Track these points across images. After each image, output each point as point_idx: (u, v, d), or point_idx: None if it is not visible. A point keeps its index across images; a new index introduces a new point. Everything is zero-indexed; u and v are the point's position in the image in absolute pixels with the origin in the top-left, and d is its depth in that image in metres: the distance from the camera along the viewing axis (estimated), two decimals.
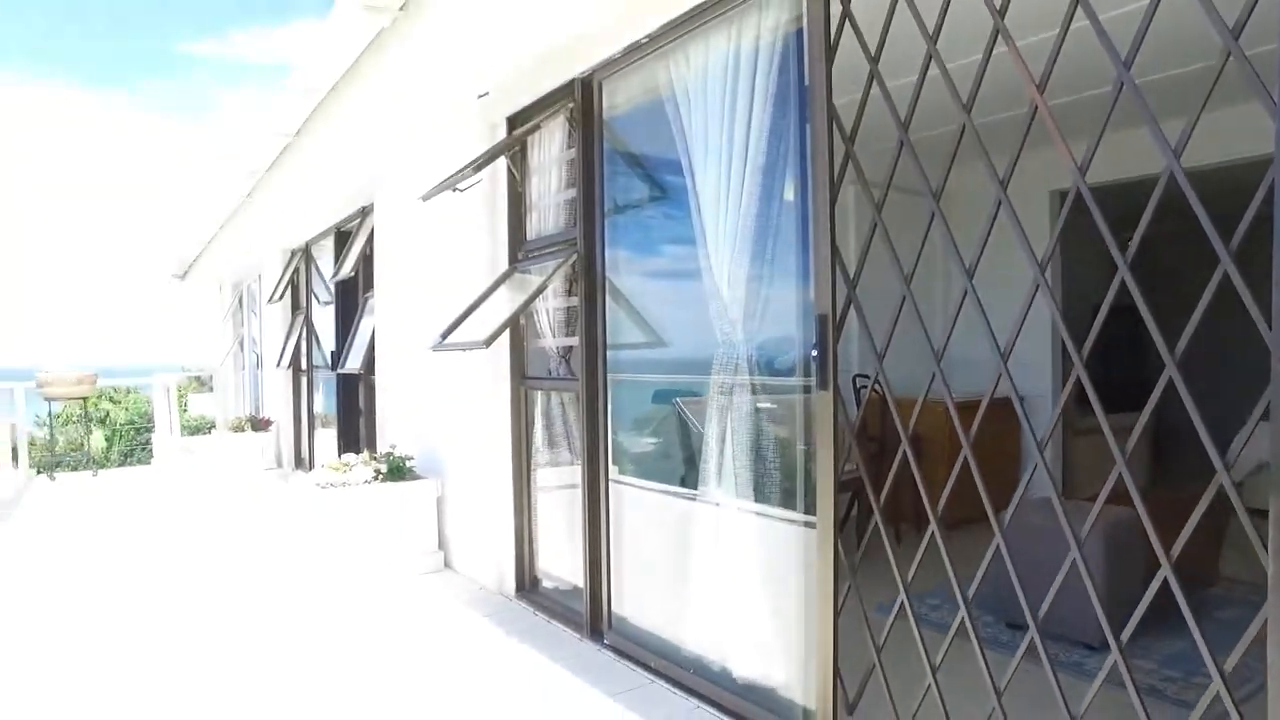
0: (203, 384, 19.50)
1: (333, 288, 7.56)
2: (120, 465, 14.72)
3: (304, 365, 8.59)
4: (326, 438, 8.30)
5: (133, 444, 18.79)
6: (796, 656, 2.76)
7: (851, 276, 2.42)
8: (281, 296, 8.85)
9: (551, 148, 3.93)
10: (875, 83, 2.33)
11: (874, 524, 2.42)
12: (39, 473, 9.68)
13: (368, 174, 6.06)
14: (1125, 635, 1.84)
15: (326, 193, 6.84)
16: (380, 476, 4.74)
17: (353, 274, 6.18)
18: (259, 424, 9.57)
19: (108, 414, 20.39)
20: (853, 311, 2.42)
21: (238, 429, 9.44)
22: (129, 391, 24.33)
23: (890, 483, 2.39)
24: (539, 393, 4.16)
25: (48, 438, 14.48)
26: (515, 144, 4.02)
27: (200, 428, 18.56)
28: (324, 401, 8.38)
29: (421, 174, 5.13)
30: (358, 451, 5.10)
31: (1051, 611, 2.01)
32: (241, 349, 12.77)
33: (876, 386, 2.45)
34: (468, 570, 4.70)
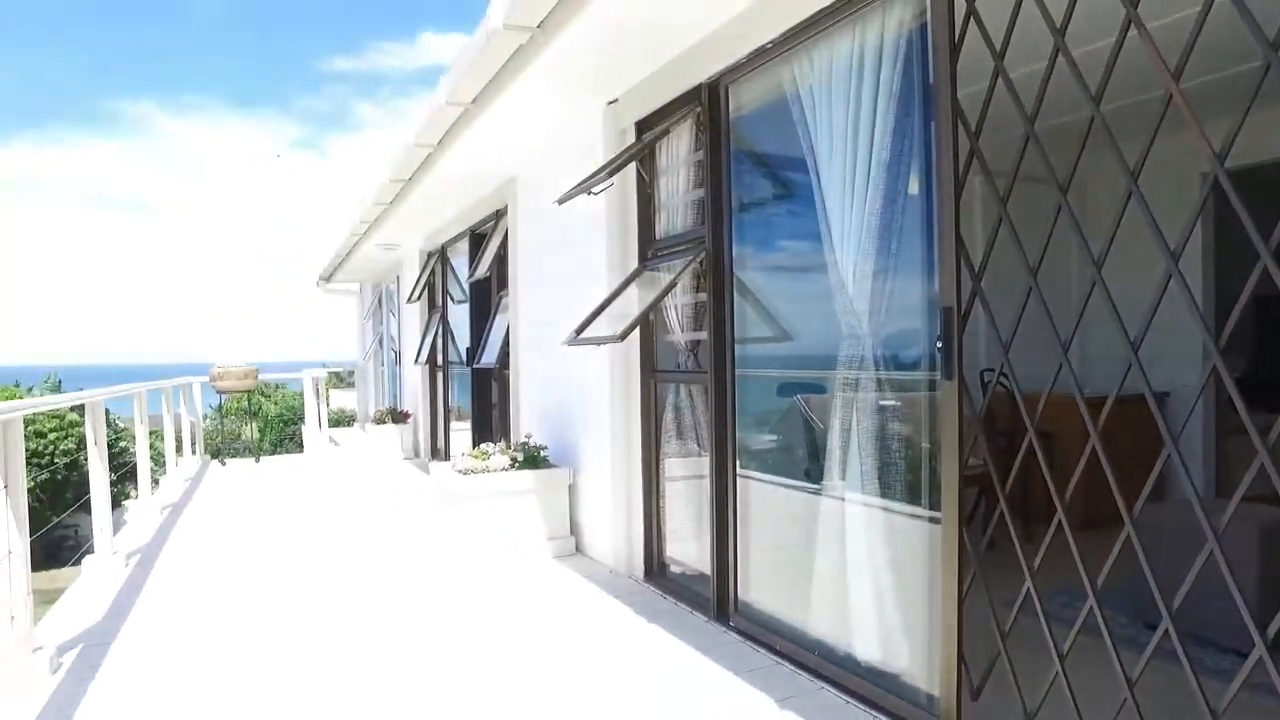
0: (343, 380, 20.88)
1: (467, 288, 8.00)
2: (275, 453, 15.99)
3: (440, 361, 9.12)
4: (461, 430, 8.79)
5: (281, 435, 20.30)
6: (920, 643, 2.81)
7: (976, 269, 2.47)
8: (419, 296, 9.42)
9: (679, 150, 4.09)
10: (1000, 78, 2.36)
11: (998, 514, 2.45)
12: (211, 458, 10.68)
13: (502, 178, 6.41)
14: (1272, 630, 1.81)
15: (462, 198, 7.27)
16: (516, 464, 5.03)
17: (487, 275, 6.55)
18: (399, 416, 10.22)
19: (260, 407, 22.09)
20: (978, 305, 2.46)
21: (380, 421, 10.12)
22: (278, 387, 26.27)
23: (1015, 476, 2.42)
24: (668, 385, 4.34)
25: (218, 427, 15.85)
26: (645, 149, 4.21)
27: (341, 420, 19.89)
28: (458, 395, 8.88)
29: (553, 178, 5.40)
30: (492, 443, 5.42)
31: (1200, 614, 1.98)
32: (381, 346, 13.61)
33: (1003, 380, 2.48)
34: (599, 555, 4.94)
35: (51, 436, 22.99)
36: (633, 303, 4.38)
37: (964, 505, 2.55)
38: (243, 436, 15.91)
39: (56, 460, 22.35)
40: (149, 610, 4.29)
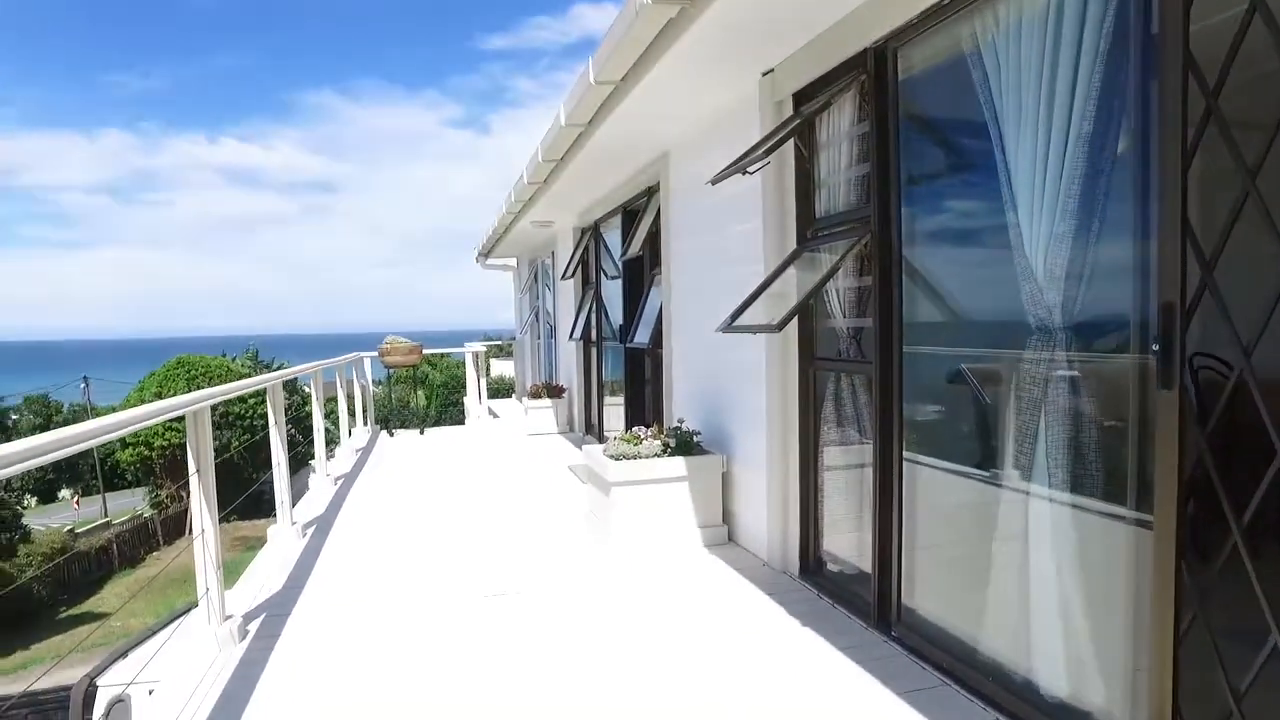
0: (502, 349, 21.69)
1: (620, 264, 7.96)
2: (439, 423, 16.87)
3: (594, 337, 9.18)
4: (615, 405, 8.83)
5: (446, 401, 21.35)
6: (1122, 681, 2.47)
7: (1208, 257, 2.08)
8: (573, 273, 9.50)
9: (840, 122, 3.79)
10: (1256, 12, 1.94)
11: (1231, 544, 2.07)
12: (381, 428, 11.33)
13: (654, 154, 6.27)
14: None
15: (614, 175, 7.19)
16: (668, 450, 4.94)
17: (640, 253, 6.46)
18: (554, 391, 10.42)
19: (427, 375, 23.41)
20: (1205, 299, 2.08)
21: (536, 396, 10.36)
22: (443, 356, 27.74)
23: (1235, 484, 2.03)
24: (828, 373, 4.08)
25: (388, 394, 16.80)
26: (803, 124, 3.93)
27: (500, 389, 20.73)
28: (612, 371, 8.91)
29: (706, 153, 5.20)
30: (644, 421, 5.36)
31: None
32: (537, 320, 13.94)
33: (1227, 373, 2.09)
34: (751, 545, 4.77)
35: (251, 401, 25.35)
36: (790, 285, 4.14)
37: (1183, 531, 2.19)
38: (411, 404, 16.86)
39: (255, 423, 24.64)
40: (322, 581, 4.57)
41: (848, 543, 4.00)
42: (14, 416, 43.57)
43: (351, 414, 10.16)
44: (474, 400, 11.82)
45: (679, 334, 5.94)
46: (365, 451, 9.28)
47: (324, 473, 7.10)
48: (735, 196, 4.73)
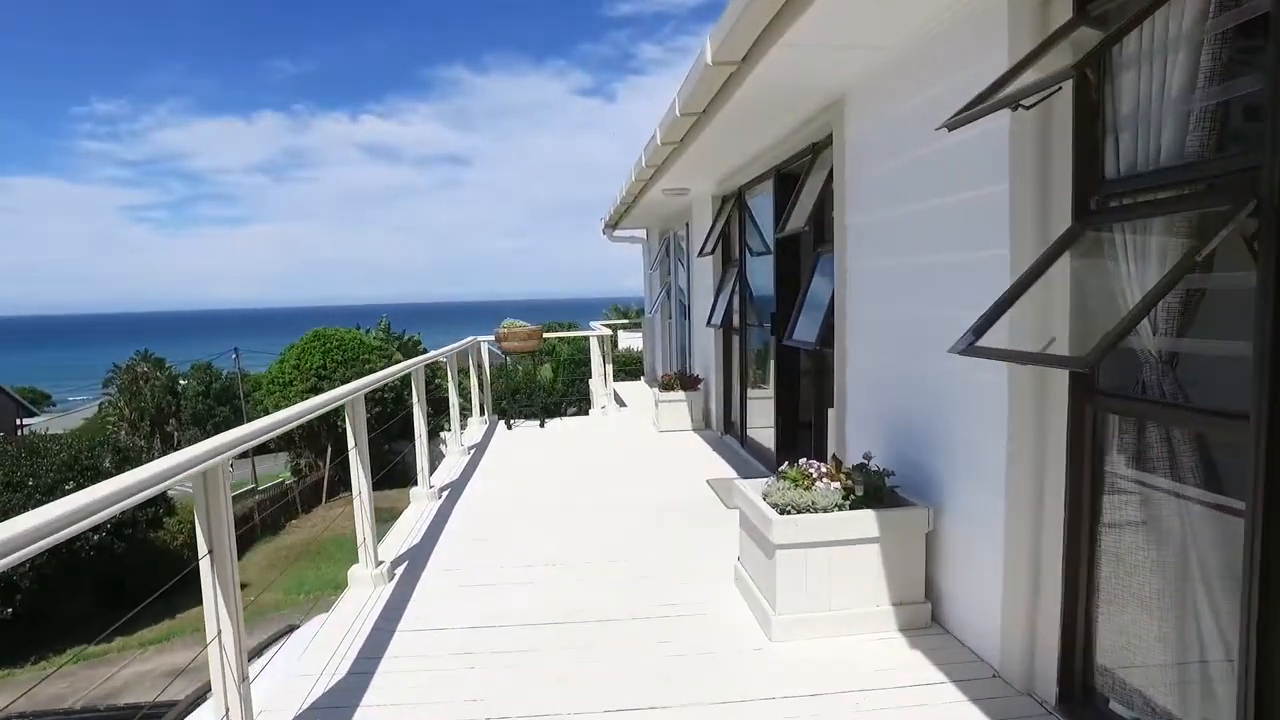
0: (629, 320, 20.56)
1: (772, 240, 6.64)
2: (561, 405, 15.95)
3: (736, 325, 7.90)
4: (759, 401, 7.57)
5: (573, 376, 20.51)
6: None
7: None
8: (712, 249, 8.22)
9: (1169, 20, 2.35)
10: None
11: None
12: (499, 419, 10.49)
13: (824, 100, 4.89)
14: None
15: (767, 130, 5.85)
16: (850, 498, 3.65)
17: (805, 228, 5.10)
18: (689, 382, 9.24)
19: (554, 348, 22.75)
20: None
21: (668, 387, 9.21)
22: (569, 326, 27.12)
23: None
24: (1121, 416, 2.68)
25: (512, 371, 16.10)
26: (1098, 30, 2.50)
27: (628, 364, 19.70)
28: (757, 363, 7.63)
29: (908, 92, 3.82)
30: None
31: None
32: (669, 298, 12.76)
33: None
34: (969, 638, 3.44)
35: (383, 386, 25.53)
36: (1061, 285, 2.75)
37: None
38: (538, 378, 16.00)
39: (385, 396, 24.80)
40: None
41: (1154, 662, 2.61)
42: (183, 382, 46.61)
43: (465, 407, 9.35)
44: (599, 386, 10.77)
45: (858, 334, 4.59)
46: (478, 451, 8.40)
47: (425, 489, 6.23)
48: (955, 150, 3.35)
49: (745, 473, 6.91)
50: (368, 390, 4.51)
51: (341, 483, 26.26)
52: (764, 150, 6.52)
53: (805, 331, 5.28)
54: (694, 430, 9.09)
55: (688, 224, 10.68)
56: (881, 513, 3.57)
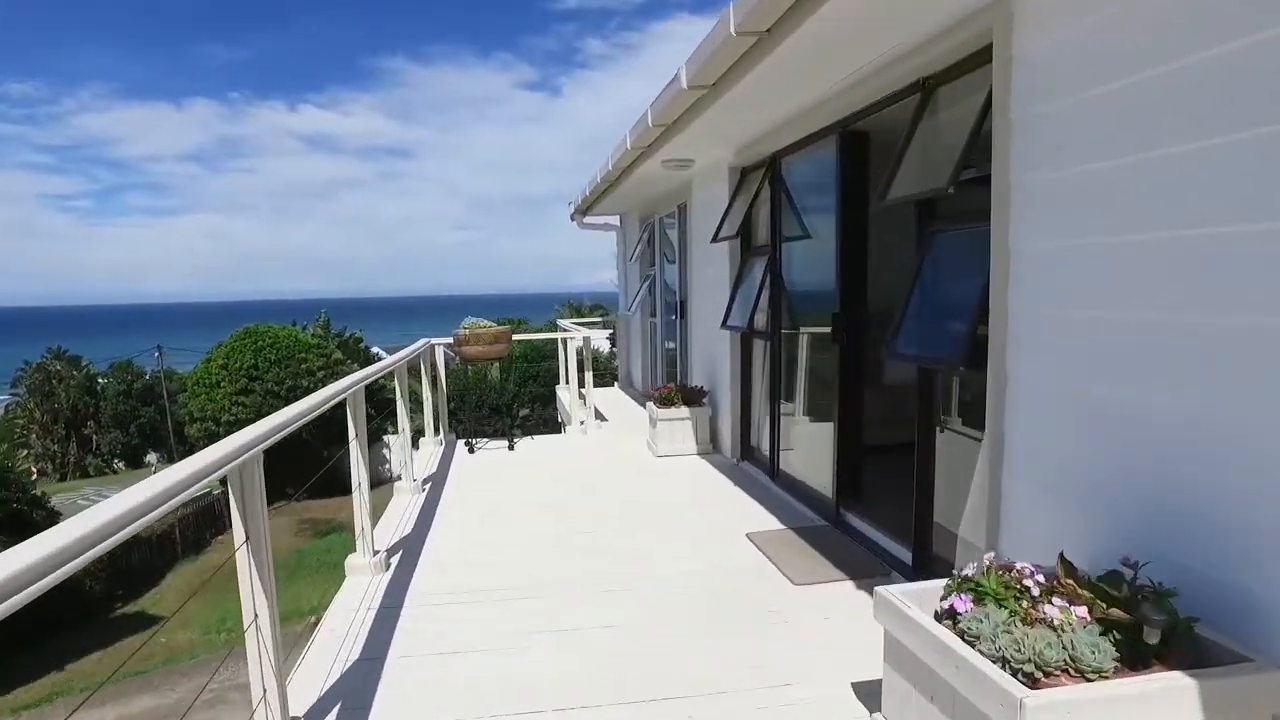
0: (599, 320, 18.72)
1: (833, 219, 5.05)
2: (519, 423, 13.99)
3: (762, 326, 6.31)
4: (803, 428, 6.00)
5: (525, 375, 18.58)
6: None
7: None
8: (736, 234, 6.59)
9: None
10: None
11: None
12: (458, 438, 8.73)
13: (966, 8, 3.30)
14: None
15: (847, 60, 4.24)
16: (1122, 641, 2.07)
17: (949, 189, 3.46)
18: (691, 395, 7.61)
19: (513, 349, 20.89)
20: None
21: (666, 401, 7.56)
22: (520, 323, 25.14)
23: None
24: None
25: (453, 389, 14.42)
26: None
27: (597, 367, 17.87)
28: (802, 376, 6.04)
29: None
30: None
31: None
32: (651, 292, 11.14)
33: None
34: None
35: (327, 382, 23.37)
36: None
37: None
38: (489, 376, 14.10)
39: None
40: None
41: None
42: (102, 381, 43.32)
43: (417, 427, 7.59)
44: (574, 399, 9.05)
45: (1035, 345, 3.01)
46: (435, 486, 6.63)
47: (367, 553, 4.49)
48: (1253, 58, 1.80)
49: (788, 517, 5.33)
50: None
51: (277, 490, 23.95)
52: (823, 100, 4.93)
53: (928, 343, 3.69)
54: (700, 454, 7.47)
55: (681, 206, 9.06)
56: (1207, 682, 1.99)
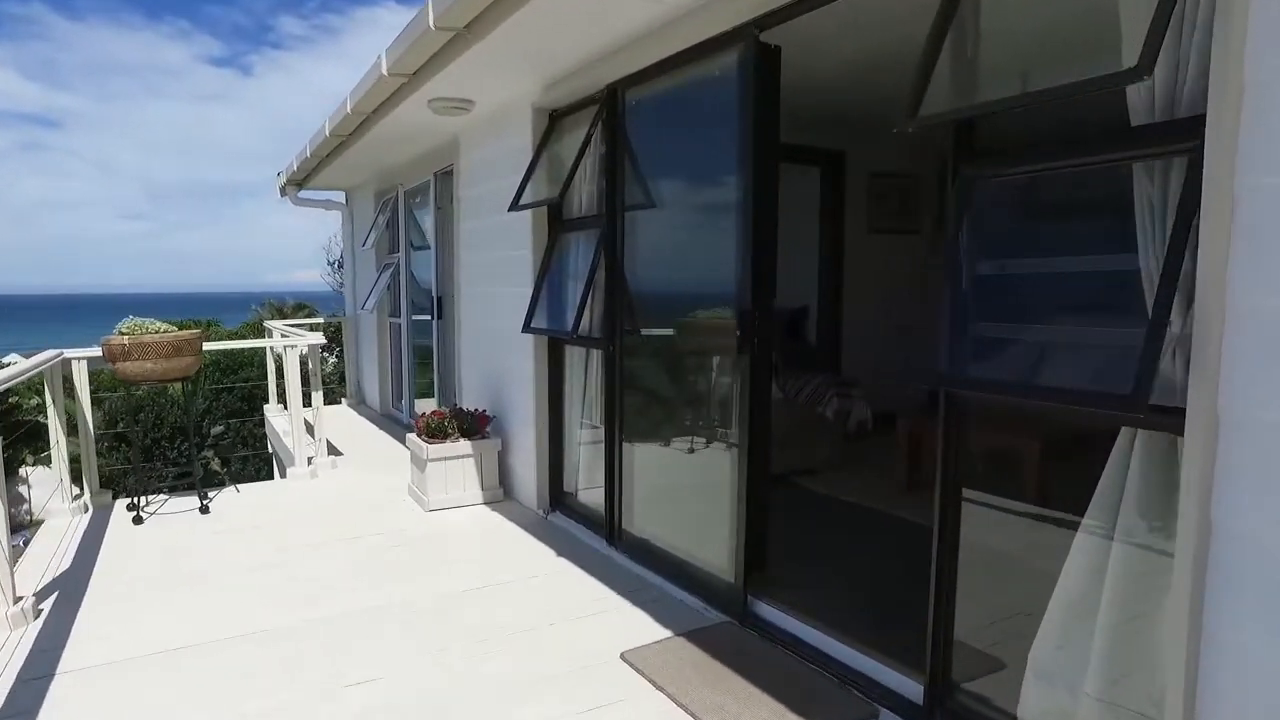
0: (323, 323, 15.27)
1: (749, 167, 3.39)
2: (236, 474, 10.70)
3: (586, 328, 4.49)
4: (673, 470, 4.32)
5: (219, 387, 15.02)
6: None
7: None
8: (559, 198, 4.68)
9: None
10: None
11: None
12: (115, 498, 5.89)
13: None
14: None
15: None
16: None
17: (1145, 77, 1.86)
18: (470, 425, 5.58)
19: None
20: None
21: (435, 435, 5.47)
22: (210, 325, 20.75)
23: None
24: None
25: (106, 414, 11.00)
26: None
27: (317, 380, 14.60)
28: (661, 394, 4.31)
29: None
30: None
31: None
32: (392, 287, 8.85)
33: None
34: None
35: None
36: None
37: None
38: (170, 390, 10.71)
39: None
40: None
41: None
42: None
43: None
44: (296, 428, 6.55)
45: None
46: (60, 615, 3.95)
47: None
48: None
49: (668, 613, 3.59)
50: None
51: None
52: None
53: (1048, 371, 2.10)
54: (488, 504, 5.49)
55: (441, 173, 6.99)
56: None
